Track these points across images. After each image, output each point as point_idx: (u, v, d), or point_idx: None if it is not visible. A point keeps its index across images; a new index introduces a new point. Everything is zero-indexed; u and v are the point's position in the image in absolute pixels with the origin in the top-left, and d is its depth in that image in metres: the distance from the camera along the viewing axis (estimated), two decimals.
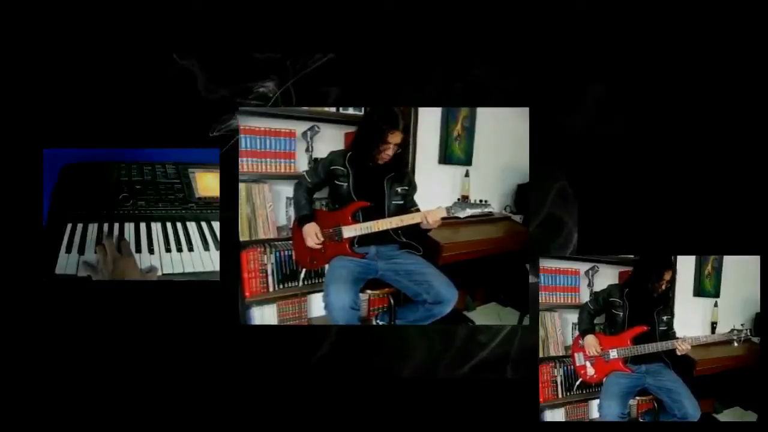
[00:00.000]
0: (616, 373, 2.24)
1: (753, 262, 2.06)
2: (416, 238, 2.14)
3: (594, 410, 2.37)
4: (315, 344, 2.03)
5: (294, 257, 2.24)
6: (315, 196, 2.19)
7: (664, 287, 2.23)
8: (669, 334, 2.25)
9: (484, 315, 2.70)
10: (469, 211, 1.99)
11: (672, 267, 2.23)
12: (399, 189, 2.12)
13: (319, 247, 2.07)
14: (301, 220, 2.11)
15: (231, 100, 2.01)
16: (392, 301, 2.20)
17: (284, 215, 2.35)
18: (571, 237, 2.05)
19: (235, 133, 2.02)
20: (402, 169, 2.16)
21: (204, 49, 2.00)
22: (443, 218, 2.01)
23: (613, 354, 2.24)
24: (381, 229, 2.03)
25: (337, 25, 2.03)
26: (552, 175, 2.05)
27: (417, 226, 2.04)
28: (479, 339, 2.05)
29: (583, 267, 2.43)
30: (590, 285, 2.44)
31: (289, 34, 2.03)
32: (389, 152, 2.05)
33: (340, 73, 2.02)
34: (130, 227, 2.02)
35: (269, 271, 2.24)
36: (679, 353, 2.18)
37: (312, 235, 2.07)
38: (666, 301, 2.29)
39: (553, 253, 2.11)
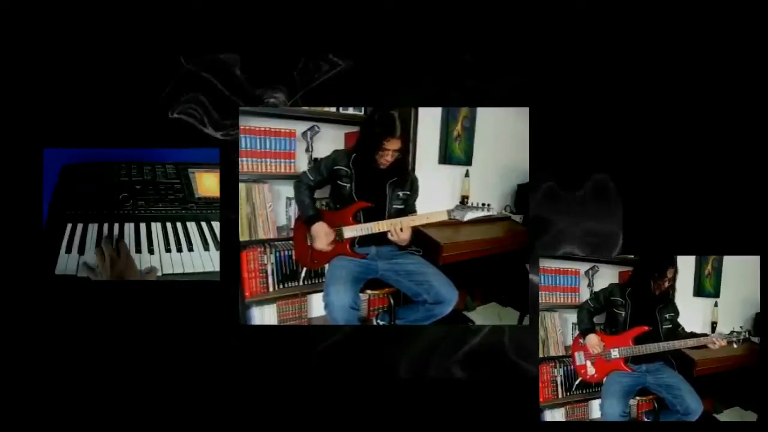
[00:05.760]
0: (617, 372, 2.24)
1: (753, 262, 2.06)
2: (416, 240, 2.14)
3: (594, 410, 2.37)
4: (315, 344, 2.03)
5: (294, 257, 2.24)
6: (315, 196, 2.19)
7: (667, 285, 2.22)
8: (677, 332, 2.23)
9: (484, 315, 2.70)
10: (470, 215, 1.99)
11: (674, 265, 2.22)
12: (401, 193, 2.12)
13: (330, 248, 2.06)
14: (308, 221, 2.10)
15: (236, 104, 2.01)
16: (392, 301, 2.20)
17: (284, 215, 2.35)
18: (562, 237, 2.05)
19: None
20: (404, 174, 2.15)
21: (204, 50, 2.00)
22: (445, 220, 2.01)
23: (615, 353, 2.24)
24: (382, 230, 2.02)
25: (337, 25, 2.03)
26: (543, 175, 2.05)
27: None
28: (479, 339, 2.05)
29: (583, 267, 2.43)
30: (590, 285, 2.44)
31: (289, 35, 2.03)
32: (388, 158, 2.04)
33: (341, 73, 2.02)
34: (130, 227, 2.02)
35: (269, 271, 2.24)
36: (717, 347, 2.16)
37: (322, 236, 2.06)
38: (667, 300, 2.29)
39: (553, 253, 2.11)
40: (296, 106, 2.04)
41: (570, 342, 2.40)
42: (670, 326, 2.25)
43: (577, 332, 2.34)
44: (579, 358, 2.31)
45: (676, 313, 2.27)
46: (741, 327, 2.17)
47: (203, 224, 2.10)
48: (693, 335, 2.21)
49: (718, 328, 2.47)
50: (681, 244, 2.08)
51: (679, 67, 2.05)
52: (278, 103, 1.91)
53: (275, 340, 2.05)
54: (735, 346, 2.17)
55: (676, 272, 2.22)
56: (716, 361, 2.29)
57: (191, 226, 2.09)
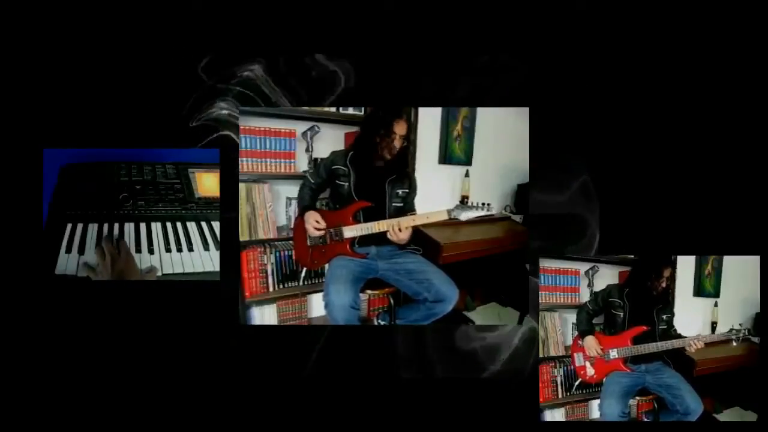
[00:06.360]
0: (617, 372, 2.24)
1: (753, 262, 2.06)
2: (416, 240, 2.14)
3: (594, 410, 2.37)
4: (315, 344, 2.03)
5: (294, 257, 2.24)
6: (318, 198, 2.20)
7: (664, 285, 2.23)
8: (670, 333, 2.25)
9: (484, 315, 2.70)
10: (470, 214, 1.99)
11: (671, 264, 2.22)
12: (400, 191, 2.12)
13: (320, 233, 2.06)
14: (302, 210, 2.11)
15: (213, 87, 1.98)
16: (392, 300, 2.20)
17: (284, 215, 2.35)
18: (594, 238, 2.02)
19: (216, 123, 1.99)
20: (404, 170, 2.16)
21: (203, 49, 2.00)
22: (445, 220, 2.01)
23: (614, 354, 2.24)
24: (381, 230, 2.02)
25: (336, 24, 2.03)
26: (571, 169, 2.02)
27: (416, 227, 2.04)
28: (479, 339, 2.05)
29: (583, 267, 2.43)
30: (590, 285, 2.44)
31: (288, 33, 2.03)
32: (395, 144, 2.04)
33: (338, 70, 2.02)
34: (130, 227, 2.02)
35: (269, 271, 2.24)
36: (693, 351, 2.18)
37: (312, 221, 2.06)
38: (666, 300, 2.29)
39: (553, 253, 2.11)
40: (272, 99, 1.99)
41: (570, 342, 2.40)
42: (665, 327, 2.25)
43: (577, 333, 2.35)
44: (578, 359, 2.31)
45: (673, 314, 2.28)
46: (740, 324, 2.17)
47: (203, 224, 2.09)
48: (679, 336, 2.22)
49: (718, 328, 2.47)
50: (681, 244, 2.08)
51: (679, 67, 2.05)
52: (254, 76, 1.84)
53: (275, 340, 2.05)
54: (734, 344, 2.17)
55: (673, 271, 2.22)
56: (716, 361, 2.29)
57: (191, 226, 2.09)
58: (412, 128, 2.44)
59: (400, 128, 2.03)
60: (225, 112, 1.95)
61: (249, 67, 1.92)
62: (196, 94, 1.94)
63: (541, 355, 2.14)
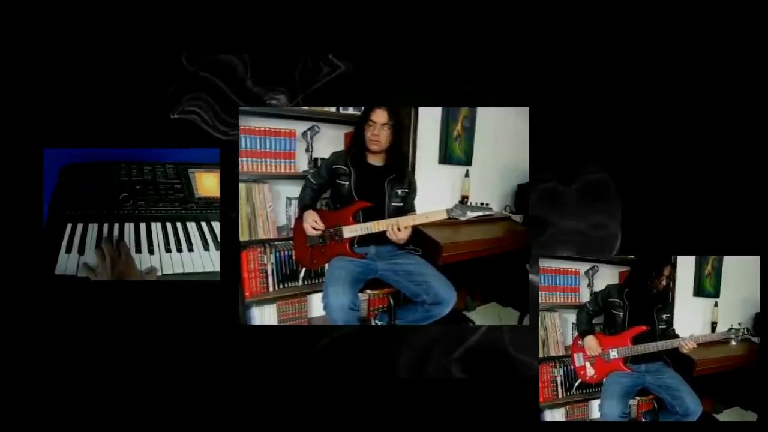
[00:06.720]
0: (617, 372, 2.24)
1: (753, 262, 2.06)
2: (416, 240, 2.14)
3: (594, 410, 2.37)
4: (315, 344, 2.03)
5: (294, 257, 2.24)
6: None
7: (664, 283, 2.23)
8: (668, 333, 2.25)
9: (484, 315, 2.70)
10: (470, 214, 1.98)
11: (671, 264, 2.23)
12: (399, 191, 2.12)
13: (318, 233, 2.06)
14: (302, 210, 2.12)
15: (236, 104, 1.99)
16: (392, 301, 2.20)
17: (284, 215, 2.35)
18: (616, 240, 2.02)
19: (197, 116, 1.99)
20: (403, 169, 2.16)
21: (205, 49, 2.00)
22: (444, 219, 2.01)
23: (614, 354, 2.24)
24: (381, 229, 2.02)
25: (337, 25, 2.03)
26: (584, 168, 2.02)
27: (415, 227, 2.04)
28: (478, 338, 2.05)
29: (583, 267, 2.43)
30: (590, 285, 2.44)
31: (289, 36, 2.03)
32: (378, 133, 2.04)
33: (341, 74, 2.02)
34: (130, 227, 2.02)
35: (269, 271, 2.24)
36: (685, 351, 2.18)
37: (310, 221, 2.06)
38: (665, 300, 2.29)
39: (553, 253, 2.11)
40: (297, 106, 2.03)
41: (570, 342, 2.40)
42: (665, 327, 2.25)
43: (577, 333, 2.34)
44: (578, 359, 2.31)
45: (672, 314, 2.28)
46: (740, 324, 2.17)
47: (203, 224, 2.10)
48: (676, 337, 2.22)
49: (718, 329, 2.47)
50: (681, 244, 2.08)
51: (679, 67, 2.05)
52: (279, 104, 1.89)
53: (275, 340, 2.05)
54: (734, 343, 2.17)
55: (672, 271, 2.22)
56: (716, 361, 2.29)
57: (191, 226, 2.09)
58: (405, 124, 2.43)
59: (377, 116, 2.02)
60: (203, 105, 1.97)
61: (275, 96, 1.95)
62: (174, 85, 1.95)
63: (541, 355, 2.14)
